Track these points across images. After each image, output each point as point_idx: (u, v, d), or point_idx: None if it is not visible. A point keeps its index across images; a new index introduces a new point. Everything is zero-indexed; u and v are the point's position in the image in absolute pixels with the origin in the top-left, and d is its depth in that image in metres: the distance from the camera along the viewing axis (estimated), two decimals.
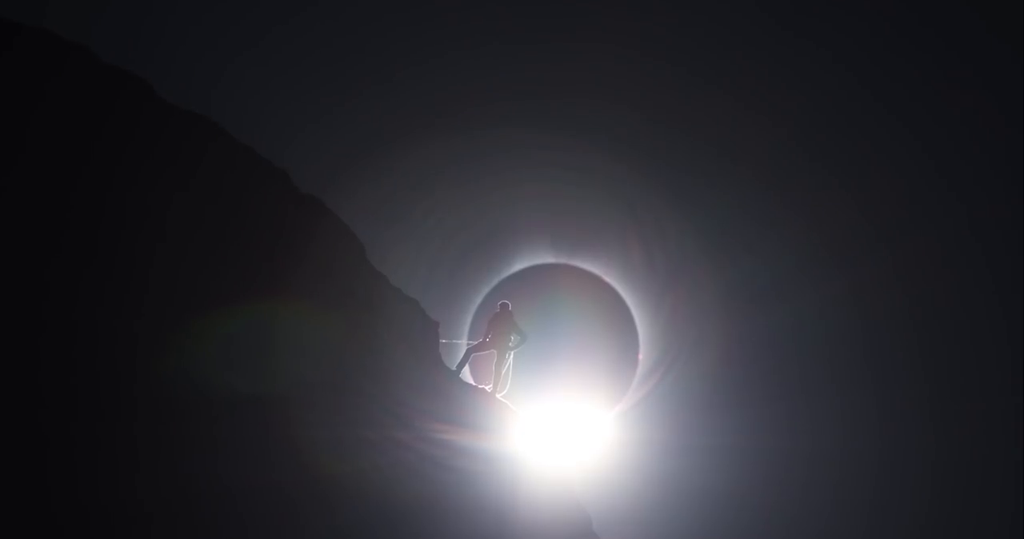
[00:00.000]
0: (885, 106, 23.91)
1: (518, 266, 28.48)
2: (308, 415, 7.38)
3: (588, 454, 20.71)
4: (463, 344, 12.33)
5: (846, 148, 24.58)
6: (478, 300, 27.27)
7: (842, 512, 22.45)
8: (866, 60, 23.85)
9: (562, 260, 28.76)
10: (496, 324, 11.82)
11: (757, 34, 23.84)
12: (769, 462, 22.60)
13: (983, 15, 22.55)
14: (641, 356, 27.56)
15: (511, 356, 11.82)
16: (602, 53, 24.10)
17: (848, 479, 22.50)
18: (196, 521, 5.79)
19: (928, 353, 23.95)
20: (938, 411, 23.16)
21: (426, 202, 25.80)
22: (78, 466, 5.34)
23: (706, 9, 23.76)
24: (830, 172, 24.67)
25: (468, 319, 26.10)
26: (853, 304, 24.34)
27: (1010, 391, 22.72)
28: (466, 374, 12.12)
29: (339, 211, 9.50)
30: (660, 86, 24.37)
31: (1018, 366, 22.85)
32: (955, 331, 24.00)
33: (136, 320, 6.37)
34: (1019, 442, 22.01)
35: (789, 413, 23.45)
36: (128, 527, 5.28)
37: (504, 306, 11.94)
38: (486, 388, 11.84)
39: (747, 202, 25.21)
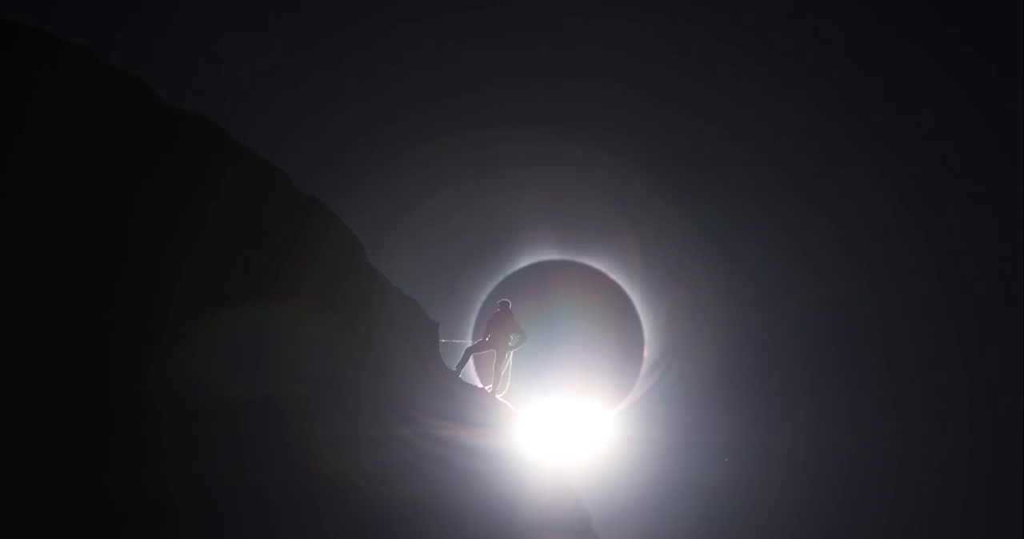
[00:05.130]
0: (855, 131, 25.41)
1: (523, 263, 28.42)
2: (310, 414, 7.40)
3: (589, 452, 20.70)
4: (464, 344, 12.20)
5: (824, 165, 25.69)
6: (482, 298, 27.25)
7: (840, 510, 22.66)
8: (839, 91, 25.31)
9: (567, 256, 28.69)
10: (496, 323, 11.59)
11: (749, 66, 25.08)
12: (768, 461, 22.74)
13: (935, 55, 23.58)
14: (646, 352, 27.53)
15: (511, 356, 11.59)
16: (606, 76, 24.64)
17: (820, 477, 22.92)
18: (196, 520, 5.81)
19: (901, 356, 24.74)
20: (909, 412, 23.91)
21: (429, 203, 25.90)
22: (78, 465, 5.37)
23: (705, 32, 24.71)
24: (813, 185, 25.75)
25: (472, 318, 26.12)
26: (832, 310, 25.06)
27: (966, 391, 23.49)
28: (466, 375, 12.03)
29: (341, 212, 9.48)
30: (655, 113, 25.21)
31: (979, 369, 23.69)
32: (926, 335, 24.87)
33: (137, 321, 6.38)
34: (969, 441, 22.66)
35: (786, 412, 23.73)
36: (125, 527, 5.31)
37: (504, 305, 11.69)
38: (486, 389, 11.72)
39: (736, 215, 26.09)
